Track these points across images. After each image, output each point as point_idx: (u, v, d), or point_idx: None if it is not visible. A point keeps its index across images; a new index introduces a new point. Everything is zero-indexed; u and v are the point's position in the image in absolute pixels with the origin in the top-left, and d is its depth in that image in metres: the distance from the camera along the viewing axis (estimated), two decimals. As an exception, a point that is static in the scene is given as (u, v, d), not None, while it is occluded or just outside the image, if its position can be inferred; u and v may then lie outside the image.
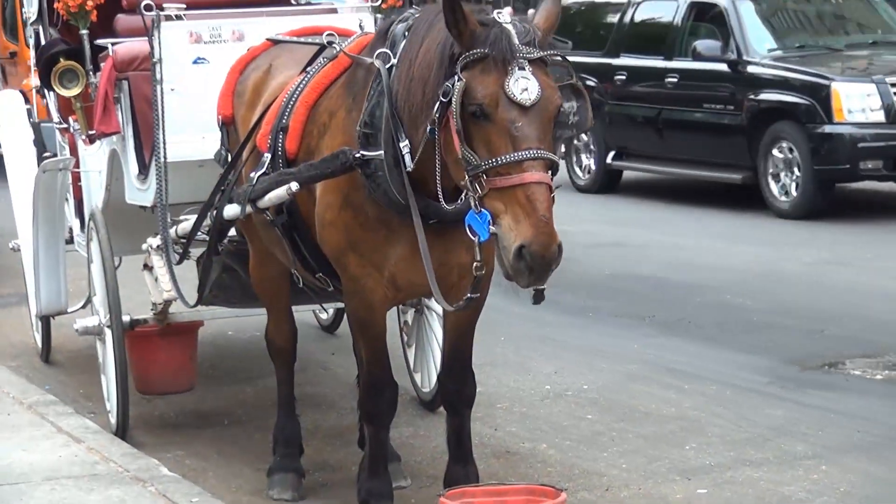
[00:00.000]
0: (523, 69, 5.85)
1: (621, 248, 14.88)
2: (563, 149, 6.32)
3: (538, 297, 6.05)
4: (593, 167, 19.40)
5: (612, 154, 19.09)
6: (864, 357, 10.19)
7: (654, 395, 9.53)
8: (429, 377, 9.14)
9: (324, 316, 11.15)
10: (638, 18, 19.29)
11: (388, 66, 6.46)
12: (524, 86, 5.83)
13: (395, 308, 8.96)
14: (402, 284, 6.71)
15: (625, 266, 13.90)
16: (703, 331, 11.21)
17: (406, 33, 6.47)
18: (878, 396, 9.32)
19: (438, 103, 5.99)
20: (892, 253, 13.98)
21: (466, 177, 5.90)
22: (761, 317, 11.56)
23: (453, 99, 5.88)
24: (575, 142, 19.05)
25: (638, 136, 18.93)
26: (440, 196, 6.17)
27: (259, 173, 7.13)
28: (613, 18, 19.82)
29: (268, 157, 7.12)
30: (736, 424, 8.83)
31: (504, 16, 5.99)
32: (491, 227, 5.84)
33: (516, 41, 5.87)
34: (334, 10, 9.33)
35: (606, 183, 19.37)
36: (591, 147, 19.31)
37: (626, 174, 19.59)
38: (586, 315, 11.94)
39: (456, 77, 5.90)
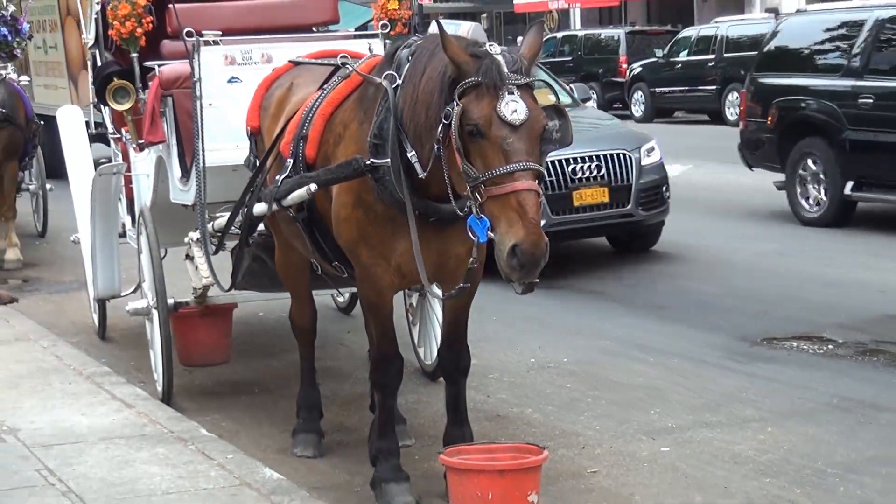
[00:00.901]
0: (512, 93, 5.90)
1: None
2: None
3: (527, 289, 6.06)
4: (824, 198, 15.16)
5: (850, 184, 14.79)
6: (803, 334, 10.18)
7: (623, 367, 9.53)
8: (430, 352, 9.14)
9: (340, 299, 11.14)
10: (884, 38, 14.86)
11: (394, 86, 6.48)
12: (514, 108, 5.87)
13: (401, 292, 8.97)
14: (406, 272, 6.72)
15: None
16: (666, 311, 11.21)
17: (410, 58, 6.49)
18: (815, 368, 9.31)
19: (441, 125, 6.03)
20: (832, 245, 13.96)
21: (468, 187, 5.95)
22: (715, 299, 11.56)
23: (452, 122, 5.92)
24: (800, 171, 15.42)
25: (884, 164, 14.48)
26: (451, 199, 6.20)
27: (283, 176, 7.14)
28: (849, 39, 15.32)
29: (290, 162, 7.13)
30: (694, 392, 8.82)
31: (495, 48, 6.04)
32: (489, 232, 5.89)
33: (506, 70, 5.92)
34: (349, 37, 9.33)
35: (839, 215, 15.08)
36: (822, 177, 15.16)
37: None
38: (566, 297, 11.93)
39: (455, 102, 5.94)
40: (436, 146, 6.12)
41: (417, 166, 6.30)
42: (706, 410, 8.42)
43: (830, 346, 9.85)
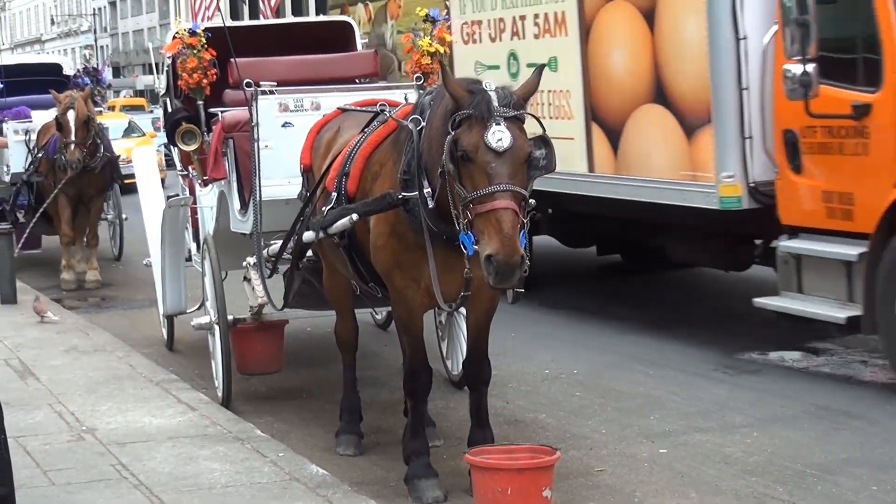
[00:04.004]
0: (499, 124, 5.95)
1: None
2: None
3: (515, 298, 6.26)
4: None
5: None
6: (787, 348, 10.12)
7: (626, 378, 9.48)
8: (457, 363, 9.11)
9: (378, 317, 11.13)
10: None
11: (418, 128, 6.51)
12: (499, 137, 5.92)
13: (432, 311, 8.97)
14: (433, 293, 6.70)
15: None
16: (664, 329, 11.17)
17: (431, 103, 6.53)
18: (797, 380, 9.25)
19: (445, 154, 6.07)
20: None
21: (459, 206, 5.99)
22: (709, 318, 11.51)
23: (444, 148, 5.98)
24: None
25: None
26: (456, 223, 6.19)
27: (328, 208, 7.15)
28: None
29: (334, 195, 7.15)
30: (688, 401, 8.78)
31: (490, 84, 6.10)
32: (475, 245, 5.93)
33: (496, 103, 5.98)
34: (388, 87, 9.35)
35: None
36: None
37: None
38: (576, 316, 11.89)
39: (450, 132, 6.02)
40: (440, 172, 6.16)
41: (429, 198, 6.32)
42: (699, 417, 8.38)
43: (809, 360, 9.79)
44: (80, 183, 14.44)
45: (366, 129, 7.29)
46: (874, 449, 7.54)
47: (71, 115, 14.00)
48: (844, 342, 10.25)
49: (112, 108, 28.54)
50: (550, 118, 11.29)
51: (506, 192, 5.89)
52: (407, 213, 6.51)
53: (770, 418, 8.27)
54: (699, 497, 6.82)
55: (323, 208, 7.24)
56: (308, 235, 7.45)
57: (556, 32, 11.47)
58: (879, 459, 7.33)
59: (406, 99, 8.19)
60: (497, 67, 12.31)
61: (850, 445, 7.64)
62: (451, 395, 9.06)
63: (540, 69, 6.47)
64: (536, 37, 11.77)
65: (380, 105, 7.57)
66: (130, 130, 29.24)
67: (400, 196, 6.51)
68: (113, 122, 28.56)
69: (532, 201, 7.43)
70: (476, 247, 5.93)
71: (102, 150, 14.53)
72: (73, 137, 13.99)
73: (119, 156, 15.96)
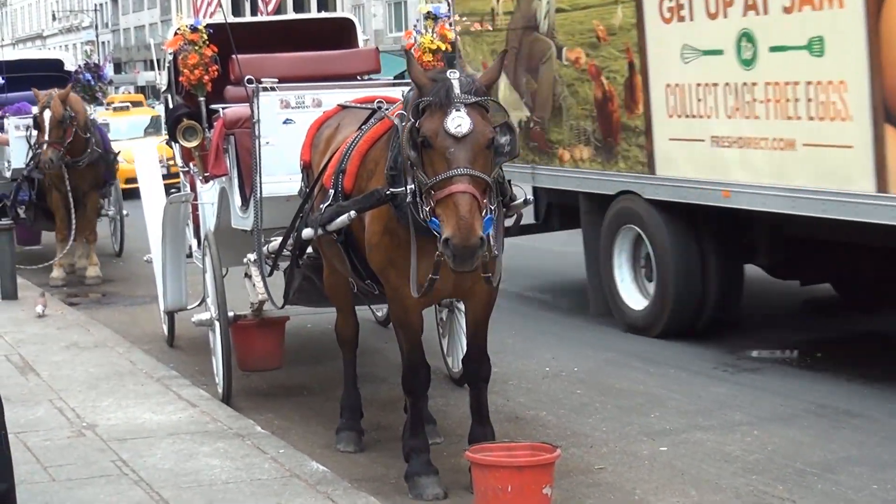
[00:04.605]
0: (459, 110, 5.99)
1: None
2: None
3: (488, 282, 6.36)
4: None
5: None
6: (785, 348, 10.11)
7: (627, 376, 9.48)
8: (457, 361, 9.10)
9: (379, 314, 11.13)
10: None
11: (403, 122, 6.51)
12: (458, 123, 5.97)
13: (433, 308, 8.98)
14: (426, 290, 6.70)
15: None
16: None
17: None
18: (796, 378, 9.24)
19: (405, 141, 6.15)
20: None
21: (422, 193, 6.05)
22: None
23: (402, 134, 6.06)
24: None
25: None
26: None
27: (326, 205, 7.15)
28: None
29: (332, 192, 7.14)
30: (688, 399, 8.78)
31: (454, 73, 6.15)
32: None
33: (457, 91, 6.03)
34: (388, 84, 9.34)
35: None
36: None
37: None
38: (577, 314, 11.89)
39: (412, 120, 6.10)
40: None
41: (409, 192, 6.32)
42: (699, 415, 8.37)
43: (809, 360, 9.78)
44: (72, 179, 14.43)
45: (363, 127, 7.30)
46: (874, 447, 7.54)
47: (47, 114, 13.97)
48: (843, 342, 10.26)
49: (110, 105, 28.28)
50: (810, 118, 8.71)
51: (464, 177, 5.92)
52: (395, 208, 6.51)
53: (770, 416, 8.27)
54: (699, 495, 6.81)
55: (321, 205, 7.24)
56: (307, 232, 7.45)
57: (821, 3, 8.54)
58: (879, 458, 7.32)
59: (403, 95, 8.19)
60: (718, 53, 9.49)
61: (851, 444, 7.64)
62: (452, 392, 9.06)
63: (503, 55, 6.52)
64: (787, 10, 8.81)
65: (377, 102, 7.57)
66: (157, 127, 26.13)
67: (388, 192, 6.51)
68: (135, 119, 28.40)
69: (530, 198, 7.48)
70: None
71: (92, 146, 14.50)
72: (46, 137, 13.95)
73: (118, 153, 15.95)
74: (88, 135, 14.52)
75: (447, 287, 6.64)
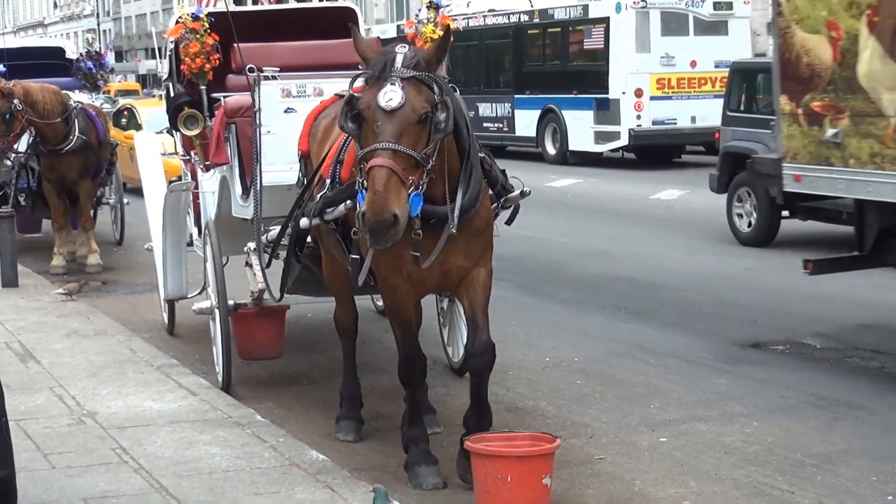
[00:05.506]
0: (394, 84, 6.00)
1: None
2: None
3: (417, 261, 6.30)
4: None
5: None
6: (786, 340, 10.12)
7: (627, 366, 9.48)
8: (458, 350, 9.11)
9: (379, 303, 11.13)
10: None
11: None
12: (390, 97, 6.00)
13: (434, 298, 8.97)
14: (416, 281, 6.69)
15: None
16: (665, 319, 11.17)
17: None
18: (796, 370, 9.25)
19: (342, 114, 6.19)
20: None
21: (357, 165, 6.11)
22: (709, 309, 11.51)
23: (340, 108, 6.12)
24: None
25: None
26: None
27: (322, 194, 7.13)
28: None
29: (329, 182, 7.13)
30: (689, 390, 8.78)
31: (400, 48, 6.16)
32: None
33: (397, 64, 6.05)
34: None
35: None
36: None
37: None
38: (577, 305, 11.89)
39: (351, 92, 6.18)
40: None
41: None
42: (700, 406, 8.37)
43: (810, 351, 9.79)
44: (59, 167, 14.40)
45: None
46: (874, 439, 7.54)
47: None
48: (844, 333, 10.26)
49: (108, 93, 28.12)
50: None
51: (385, 151, 5.93)
52: None
53: (770, 408, 8.27)
54: (698, 486, 6.81)
55: (318, 195, 7.22)
56: (304, 222, 7.43)
57: None
58: (879, 450, 7.33)
59: None
60: None
61: (850, 436, 7.64)
62: (452, 382, 9.06)
63: (447, 29, 6.60)
64: None
65: None
66: None
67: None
68: (155, 110, 28.19)
69: (527, 190, 7.39)
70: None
71: (77, 134, 14.43)
72: None
73: (117, 143, 15.89)
74: (68, 122, 14.39)
75: (432, 278, 6.63)
